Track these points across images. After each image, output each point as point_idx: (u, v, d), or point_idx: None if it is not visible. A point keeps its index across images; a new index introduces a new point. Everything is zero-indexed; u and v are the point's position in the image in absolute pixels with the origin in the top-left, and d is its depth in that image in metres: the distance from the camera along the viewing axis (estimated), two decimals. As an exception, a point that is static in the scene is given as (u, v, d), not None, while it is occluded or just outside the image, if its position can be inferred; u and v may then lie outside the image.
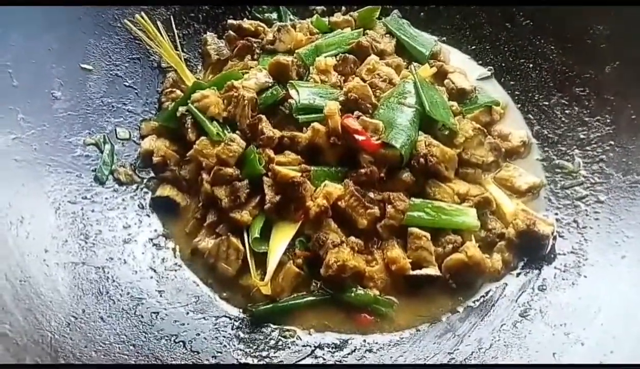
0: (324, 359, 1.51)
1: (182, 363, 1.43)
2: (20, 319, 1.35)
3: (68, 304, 1.46)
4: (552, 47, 2.07)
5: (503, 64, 2.15)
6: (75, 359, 1.32)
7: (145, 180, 1.88)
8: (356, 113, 1.77)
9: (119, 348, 1.41)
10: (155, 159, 1.85)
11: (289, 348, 1.55)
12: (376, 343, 1.57)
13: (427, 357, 1.50)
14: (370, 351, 1.55)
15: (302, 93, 1.82)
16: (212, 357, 1.47)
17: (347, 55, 1.99)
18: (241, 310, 1.63)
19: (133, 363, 1.38)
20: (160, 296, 1.60)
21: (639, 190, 1.70)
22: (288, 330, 1.59)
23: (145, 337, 1.47)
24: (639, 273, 1.53)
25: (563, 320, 1.50)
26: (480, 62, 2.19)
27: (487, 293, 1.66)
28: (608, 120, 1.87)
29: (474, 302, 1.64)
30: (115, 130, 1.93)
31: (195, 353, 1.47)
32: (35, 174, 1.67)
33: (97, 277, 1.57)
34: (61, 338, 1.36)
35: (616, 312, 1.47)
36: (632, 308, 1.46)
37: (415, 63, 2.08)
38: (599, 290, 1.55)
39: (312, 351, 1.54)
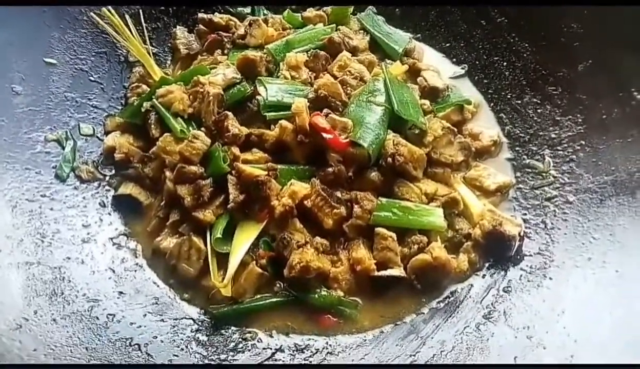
0: (284, 361, 1.49)
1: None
2: (-34, 321, 1.31)
3: (20, 305, 1.42)
4: (526, 45, 2.05)
5: (477, 62, 2.13)
6: (22, 362, 1.28)
7: (107, 178, 1.83)
8: (325, 111, 1.74)
9: (70, 350, 1.37)
10: (117, 156, 1.81)
11: (249, 350, 1.52)
12: (338, 344, 1.55)
13: (389, 359, 1.48)
14: (332, 353, 1.53)
15: (270, 90, 1.78)
16: (168, 361, 1.44)
17: (318, 51, 1.96)
18: (202, 312, 1.60)
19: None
20: (118, 297, 1.57)
21: (607, 191, 1.69)
22: (249, 332, 1.56)
23: (99, 340, 1.43)
24: (603, 275, 1.52)
25: (526, 323, 1.49)
26: (455, 59, 2.17)
27: (452, 294, 1.64)
28: (579, 120, 1.86)
29: (438, 303, 1.62)
30: (79, 125, 1.88)
31: (150, 357, 1.43)
32: (-9, 171, 1.63)
33: (52, 278, 1.53)
34: (9, 341, 1.32)
35: (579, 315, 1.46)
36: (595, 311, 1.45)
37: (388, 61, 2.06)
38: (564, 293, 1.54)
39: (273, 354, 1.52)
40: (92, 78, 1.97)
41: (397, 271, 1.60)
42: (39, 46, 1.89)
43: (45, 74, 1.88)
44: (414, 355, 1.48)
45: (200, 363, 1.45)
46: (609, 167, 1.73)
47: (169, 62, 2.16)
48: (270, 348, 1.53)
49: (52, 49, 1.92)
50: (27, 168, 1.71)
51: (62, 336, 1.40)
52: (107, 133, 1.91)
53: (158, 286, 1.65)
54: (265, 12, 2.27)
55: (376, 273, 1.61)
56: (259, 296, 1.61)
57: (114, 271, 1.63)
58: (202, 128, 1.76)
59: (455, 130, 1.84)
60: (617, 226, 1.61)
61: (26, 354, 1.31)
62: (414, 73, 2.05)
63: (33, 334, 1.37)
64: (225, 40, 2.09)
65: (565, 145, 1.84)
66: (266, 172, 1.67)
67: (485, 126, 1.96)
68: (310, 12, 2.17)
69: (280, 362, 1.49)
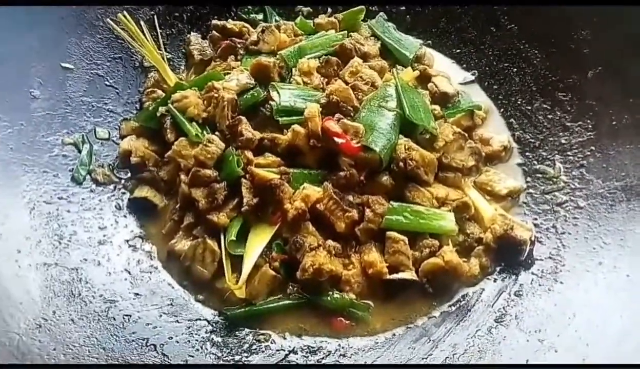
0: (297, 363, 1.50)
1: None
2: (-13, 320, 1.33)
3: (39, 305, 1.44)
4: (536, 52, 2.07)
5: (487, 68, 2.15)
6: (43, 361, 1.30)
7: (123, 181, 1.86)
8: (337, 116, 1.76)
9: (88, 350, 1.40)
10: (133, 159, 1.84)
11: (263, 351, 1.53)
12: (351, 347, 1.56)
13: (401, 362, 1.49)
14: (344, 355, 1.54)
15: (283, 95, 1.81)
16: (183, 361, 1.46)
17: (330, 57, 1.98)
18: (216, 313, 1.62)
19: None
20: (134, 298, 1.59)
21: (617, 196, 1.70)
22: (262, 334, 1.58)
23: (116, 340, 1.45)
24: (614, 279, 1.53)
25: (538, 326, 1.50)
26: (465, 66, 2.19)
27: (463, 297, 1.65)
28: (589, 126, 1.87)
29: (450, 307, 1.63)
30: (95, 129, 1.91)
31: (166, 357, 1.45)
32: (10, 174, 1.66)
33: (70, 279, 1.55)
34: (29, 340, 1.34)
35: (590, 319, 1.47)
36: (606, 315, 1.46)
37: (398, 66, 2.08)
38: (575, 296, 1.54)
39: (286, 356, 1.53)
40: (108, 83, 2.01)
41: (409, 275, 1.62)
42: (56, 51, 1.93)
43: (63, 79, 1.91)
44: (426, 358, 1.49)
45: (215, 363, 1.47)
46: (619, 173, 1.74)
47: (182, 67, 2.19)
48: (284, 350, 1.54)
49: (69, 54, 1.96)
50: (45, 171, 1.74)
51: (80, 336, 1.42)
52: (122, 137, 1.94)
53: (173, 287, 1.66)
54: (277, 18, 2.30)
55: (388, 276, 1.62)
56: (272, 298, 1.63)
57: (129, 273, 1.65)
58: (217, 133, 1.79)
59: (466, 135, 1.86)
60: (628, 231, 1.62)
61: (46, 353, 1.34)
62: (424, 79, 2.07)
63: (52, 334, 1.40)
64: (239, 46, 2.11)
65: (576, 150, 1.86)
66: (279, 176, 1.69)
67: (496, 131, 1.97)
68: (322, 19, 2.20)
69: (294, 363, 1.51)
